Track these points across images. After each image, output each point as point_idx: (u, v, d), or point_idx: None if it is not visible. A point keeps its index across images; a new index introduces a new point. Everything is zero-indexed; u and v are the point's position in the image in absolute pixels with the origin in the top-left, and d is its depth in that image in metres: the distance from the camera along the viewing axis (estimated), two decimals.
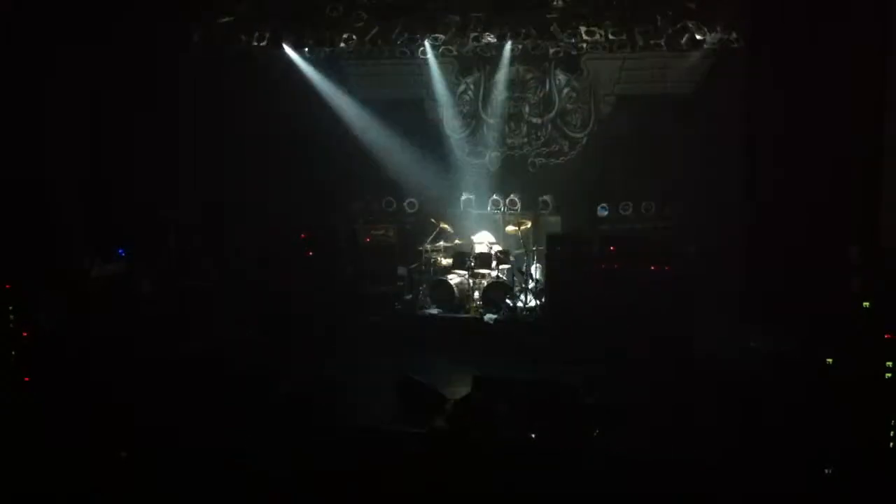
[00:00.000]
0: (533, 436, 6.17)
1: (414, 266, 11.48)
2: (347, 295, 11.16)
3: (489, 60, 12.39)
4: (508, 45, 11.71)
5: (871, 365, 6.19)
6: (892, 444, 5.88)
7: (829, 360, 6.53)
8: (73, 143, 9.36)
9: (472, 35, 11.37)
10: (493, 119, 12.73)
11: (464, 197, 12.72)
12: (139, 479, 5.18)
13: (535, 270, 11.22)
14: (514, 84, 12.50)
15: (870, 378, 6.19)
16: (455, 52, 12.02)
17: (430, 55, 11.86)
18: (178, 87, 10.93)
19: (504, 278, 11.01)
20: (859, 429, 5.96)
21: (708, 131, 11.01)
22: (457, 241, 11.60)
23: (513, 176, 12.75)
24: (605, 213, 12.23)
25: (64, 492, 5.03)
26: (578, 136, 12.61)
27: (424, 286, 11.22)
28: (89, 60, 9.46)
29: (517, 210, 12.49)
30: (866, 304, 6.59)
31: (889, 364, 6.11)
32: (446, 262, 11.39)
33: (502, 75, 12.29)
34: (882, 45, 8.65)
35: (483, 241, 11.48)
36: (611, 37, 11.07)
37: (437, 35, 11.43)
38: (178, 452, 5.46)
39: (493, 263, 10.99)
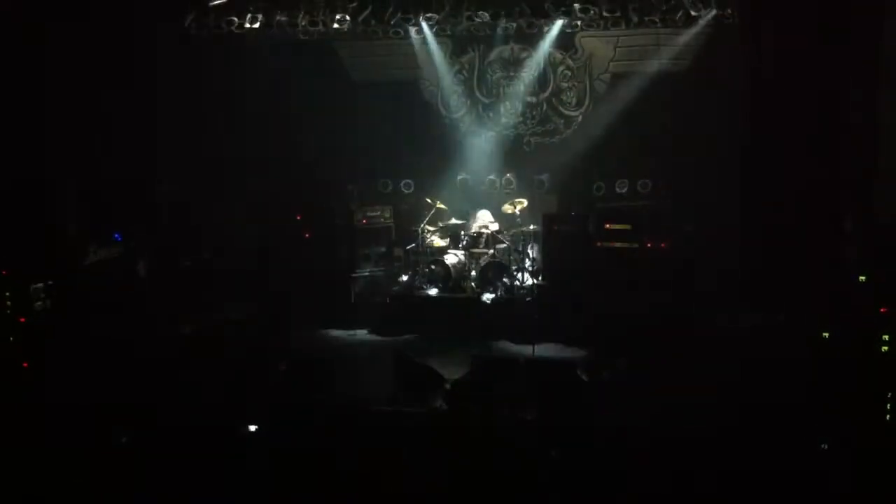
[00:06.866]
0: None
1: (410, 247, 11.47)
2: (344, 276, 11.16)
3: (483, 40, 12.30)
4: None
5: (868, 339, 6.21)
6: (888, 417, 5.90)
7: (826, 335, 6.55)
8: (64, 131, 9.29)
9: (466, 14, 11.29)
10: (487, 98, 12.66)
11: (460, 177, 12.67)
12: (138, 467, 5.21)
13: (532, 250, 11.21)
14: (508, 63, 12.42)
15: (866, 352, 6.22)
16: (449, 32, 11.93)
17: (424, 35, 11.77)
18: (170, 69, 10.84)
19: (501, 258, 10.99)
20: (856, 403, 5.99)
21: (703, 108, 10.95)
22: (453, 222, 11.55)
23: (508, 155, 12.68)
24: (601, 191, 12.18)
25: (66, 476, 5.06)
26: (574, 114, 12.54)
27: (421, 267, 11.20)
28: (76, 44, 9.37)
29: (513, 189, 12.46)
30: (862, 277, 6.61)
31: (885, 338, 6.12)
32: (443, 242, 11.39)
33: (496, 54, 12.22)
34: (878, 13, 8.60)
35: (483, 220, 11.44)
36: (605, 14, 10.99)
37: (430, 14, 11.34)
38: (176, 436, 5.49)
39: (490, 243, 10.98)
